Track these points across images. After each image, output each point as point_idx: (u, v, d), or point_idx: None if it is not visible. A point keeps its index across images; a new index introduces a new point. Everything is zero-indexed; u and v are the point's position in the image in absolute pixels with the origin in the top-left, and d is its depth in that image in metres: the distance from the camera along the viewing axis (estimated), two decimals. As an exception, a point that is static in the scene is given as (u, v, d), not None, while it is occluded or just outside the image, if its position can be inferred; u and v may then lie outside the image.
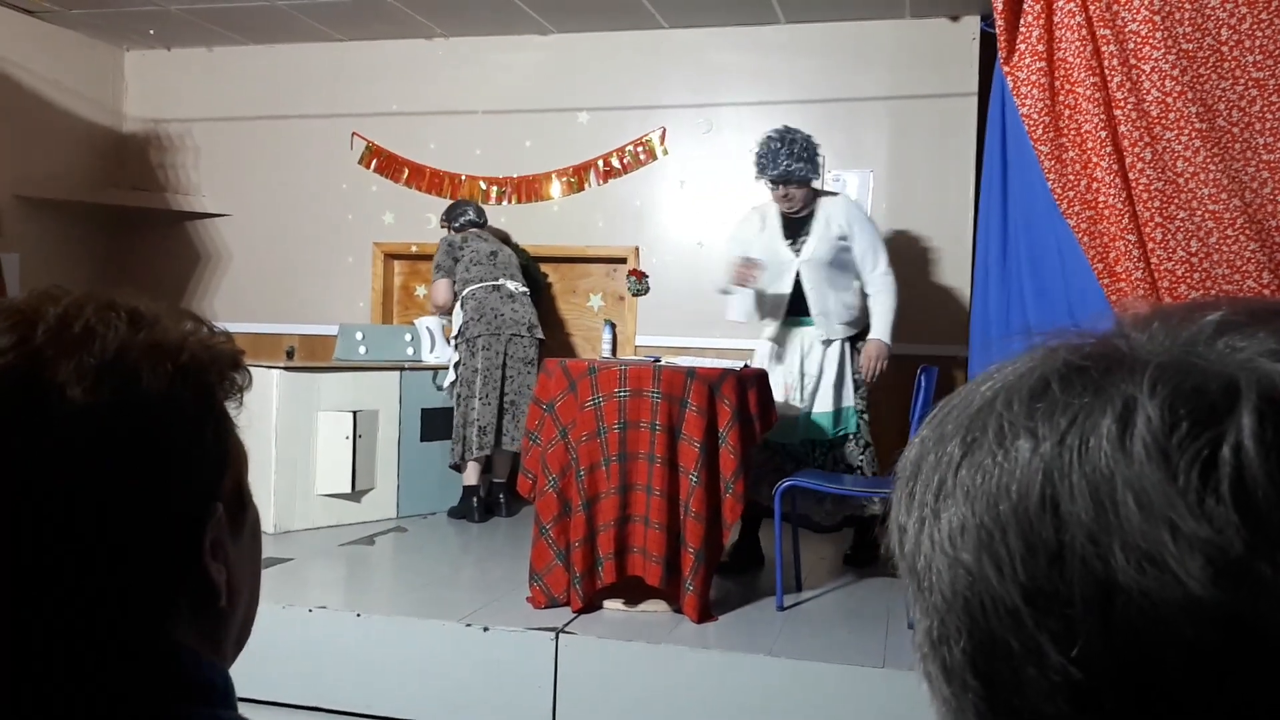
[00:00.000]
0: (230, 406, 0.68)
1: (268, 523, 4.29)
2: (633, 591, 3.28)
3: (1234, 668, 0.35)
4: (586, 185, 5.51)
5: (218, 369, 0.66)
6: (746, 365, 3.56)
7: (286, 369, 4.38)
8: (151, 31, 5.75)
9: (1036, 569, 0.38)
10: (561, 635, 2.95)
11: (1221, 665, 0.35)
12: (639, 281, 5.42)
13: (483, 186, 5.63)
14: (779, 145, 3.70)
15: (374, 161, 5.78)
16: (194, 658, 0.63)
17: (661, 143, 5.43)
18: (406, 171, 5.73)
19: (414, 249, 5.74)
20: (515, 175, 5.60)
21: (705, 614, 3.17)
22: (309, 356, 5.53)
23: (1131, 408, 0.38)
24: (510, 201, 5.59)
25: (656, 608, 3.28)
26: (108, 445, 0.59)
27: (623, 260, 5.49)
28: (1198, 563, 0.35)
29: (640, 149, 5.45)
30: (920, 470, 0.45)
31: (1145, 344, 0.41)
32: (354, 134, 5.79)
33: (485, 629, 2.99)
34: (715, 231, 5.34)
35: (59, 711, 0.58)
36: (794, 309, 3.89)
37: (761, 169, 3.75)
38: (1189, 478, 0.36)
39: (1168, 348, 0.41)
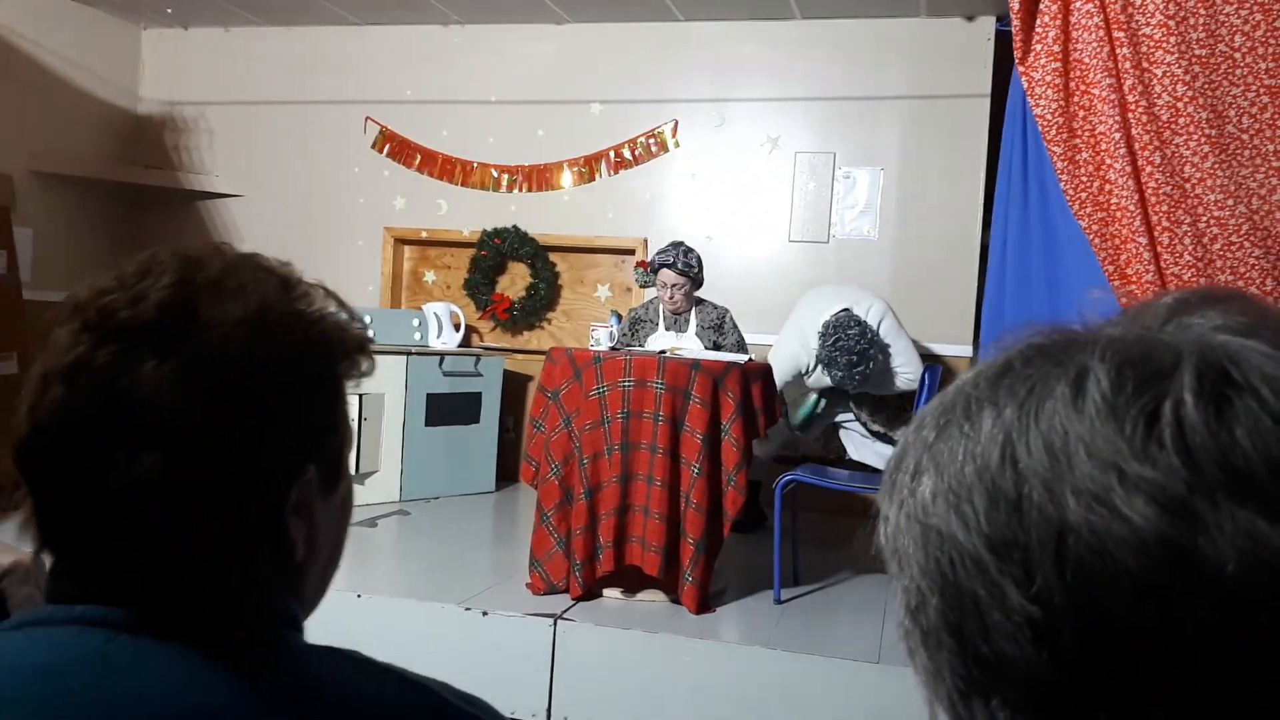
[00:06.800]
0: (349, 386, 0.75)
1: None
2: (632, 580, 3.29)
3: (1173, 596, 0.38)
4: (597, 176, 5.52)
5: (344, 348, 0.73)
6: (751, 359, 3.57)
7: (294, 350, 4.40)
8: (169, 10, 5.77)
9: (998, 520, 0.42)
10: (560, 622, 2.97)
11: (1162, 594, 0.38)
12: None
13: (494, 174, 5.64)
14: None
15: (386, 146, 5.79)
16: (271, 591, 0.70)
17: (673, 135, 5.43)
18: (419, 157, 5.74)
19: (424, 234, 5.76)
20: (527, 164, 5.60)
21: (703, 605, 3.19)
22: (317, 339, 5.55)
23: (1084, 373, 0.42)
24: (521, 190, 5.61)
25: (655, 597, 3.29)
26: (228, 387, 0.65)
27: (631, 251, 5.50)
28: (1140, 501, 0.38)
29: (652, 141, 5.46)
30: (902, 460, 0.48)
31: (1102, 326, 0.45)
32: (367, 118, 5.80)
33: (484, 613, 3.02)
34: (725, 225, 5.35)
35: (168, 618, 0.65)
36: None
37: None
38: (1135, 428, 0.39)
39: (1125, 329, 0.44)
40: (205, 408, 0.64)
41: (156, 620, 0.64)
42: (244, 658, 0.65)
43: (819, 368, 4.34)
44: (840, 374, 4.17)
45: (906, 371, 4.36)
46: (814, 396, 4.54)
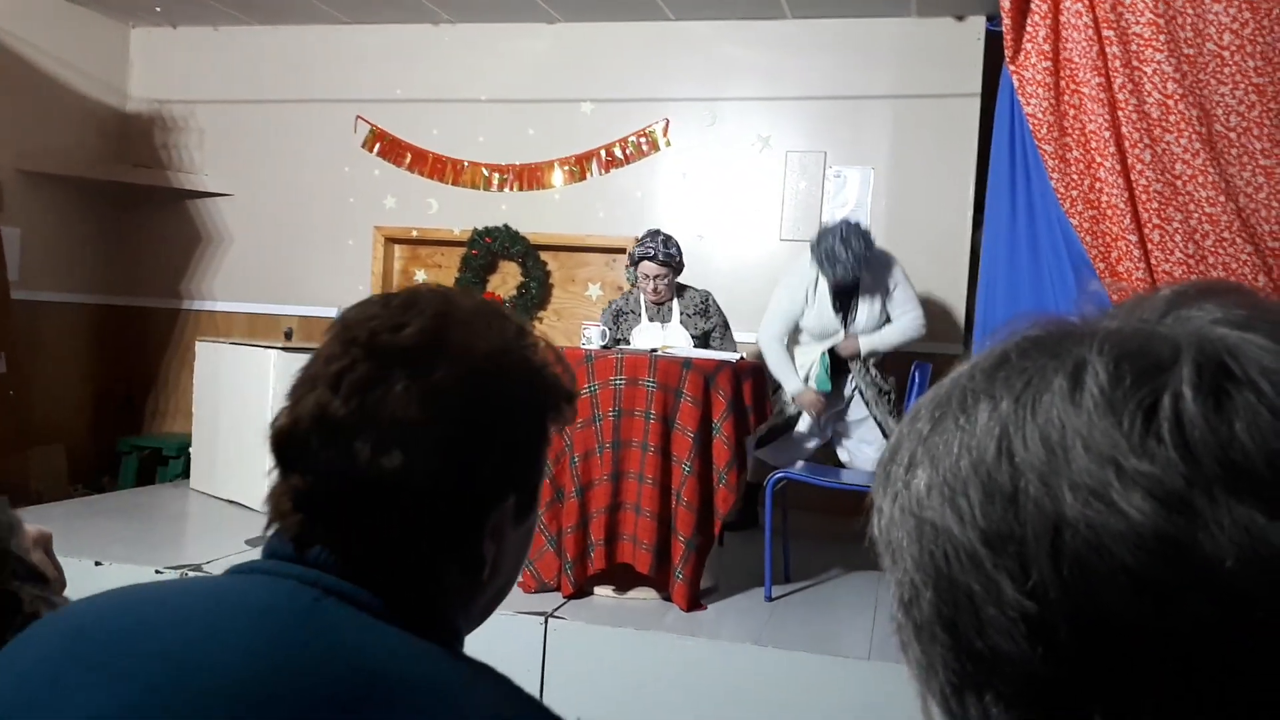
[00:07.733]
0: (552, 429, 0.84)
1: (258, 502, 4.30)
2: (623, 578, 3.29)
3: (1171, 591, 0.37)
4: (588, 175, 5.51)
5: (555, 397, 0.83)
6: (743, 358, 3.57)
7: (284, 349, 4.39)
8: (158, 9, 5.74)
9: (993, 514, 0.41)
10: (551, 620, 2.97)
11: (1159, 588, 0.38)
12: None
13: (485, 173, 5.63)
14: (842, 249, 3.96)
15: (377, 145, 5.77)
16: (452, 599, 0.80)
17: (664, 134, 5.43)
18: (409, 156, 5.73)
19: (414, 233, 5.74)
20: (517, 163, 5.60)
21: (694, 603, 3.19)
22: (307, 338, 5.54)
23: (1082, 366, 0.41)
24: (512, 189, 5.60)
25: (646, 595, 3.29)
26: (464, 411, 0.76)
27: (622, 250, 5.49)
28: (1138, 496, 0.38)
29: (643, 140, 5.46)
30: (897, 453, 0.47)
31: (1100, 319, 0.45)
32: (358, 117, 5.79)
33: (475, 612, 3.01)
34: (715, 224, 5.35)
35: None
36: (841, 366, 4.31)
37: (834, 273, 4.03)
38: (1133, 423, 0.39)
39: (1123, 321, 0.44)
40: (442, 426, 0.74)
41: (360, 595, 0.73)
42: (427, 643, 0.73)
43: (815, 298, 4.17)
44: (831, 248, 3.93)
45: (915, 314, 4.23)
46: (820, 355, 4.28)
